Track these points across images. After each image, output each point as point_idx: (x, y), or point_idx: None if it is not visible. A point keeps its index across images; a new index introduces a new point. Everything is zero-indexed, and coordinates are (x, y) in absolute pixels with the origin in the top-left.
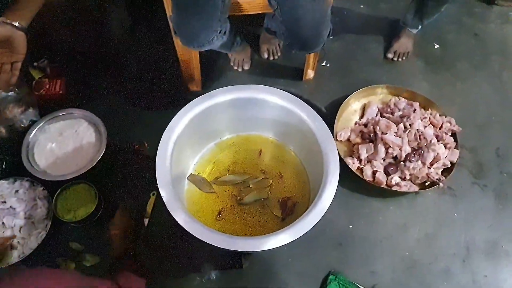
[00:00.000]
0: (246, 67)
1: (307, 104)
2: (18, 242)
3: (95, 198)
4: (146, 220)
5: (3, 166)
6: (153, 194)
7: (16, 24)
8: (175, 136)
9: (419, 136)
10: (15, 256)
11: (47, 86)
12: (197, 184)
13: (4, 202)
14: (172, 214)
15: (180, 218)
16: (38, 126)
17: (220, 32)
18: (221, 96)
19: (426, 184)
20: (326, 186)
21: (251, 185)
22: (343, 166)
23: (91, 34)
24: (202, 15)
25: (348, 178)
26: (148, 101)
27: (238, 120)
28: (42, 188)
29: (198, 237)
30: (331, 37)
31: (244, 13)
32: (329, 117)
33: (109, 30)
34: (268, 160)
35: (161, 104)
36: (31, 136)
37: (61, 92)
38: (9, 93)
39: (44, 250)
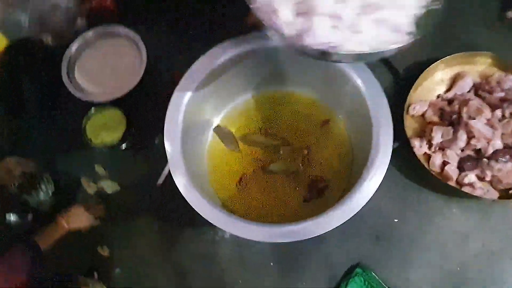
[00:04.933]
0: None
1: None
2: None
3: (125, 125)
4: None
5: (42, 76)
6: None
7: None
8: (197, 81)
9: None
10: None
11: None
12: (222, 138)
13: None
14: (172, 175)
15: (180, 182)
16: (84, 39)
17: None
18: (263, 41)
19: (510, 192)
20: (371, 171)
21: (281, 153)
22: (407, 147)
23: None
24: None
25: (409, 162)
26: (200, 33)
27: (282, 72)
28: None
29: (198, 211)
30: None
31: None
32: (406, 83)
33: None
34: (309, 127)
35: (213, 38)
36: (74, 48)
37: (111, 7)
38: (60, 0)
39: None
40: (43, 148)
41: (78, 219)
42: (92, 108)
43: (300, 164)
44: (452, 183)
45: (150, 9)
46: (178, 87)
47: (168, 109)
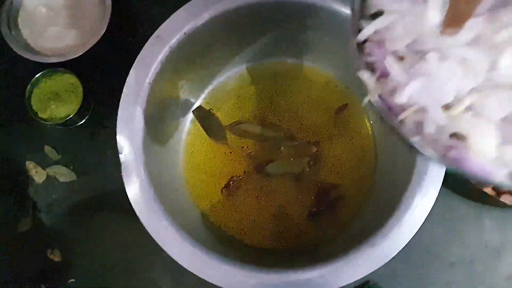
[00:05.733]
0: None
1: None
2: None
3: (81, 96)
4: None
5: None
6: None
7: None
8: (169, 45)
9: None
10: None
11: None
12: (204, 125)
13: None
14: (124, 181)
15: (133, 193)
16: None
17: None
18: None
19: None
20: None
21: (282, 149)
22: None
23: None
24: None
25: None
26: None
27: (287, 38)
28: None
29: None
30: None
31: None
32: None
33: None
34: (321, 115)
35: None
36: None
37: None
38: None
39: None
40: None
41: None
42: (40, 72)
43: (306, 166)
44: (487, 190)
45: None
46: (141, 53)
47: (125, 86)
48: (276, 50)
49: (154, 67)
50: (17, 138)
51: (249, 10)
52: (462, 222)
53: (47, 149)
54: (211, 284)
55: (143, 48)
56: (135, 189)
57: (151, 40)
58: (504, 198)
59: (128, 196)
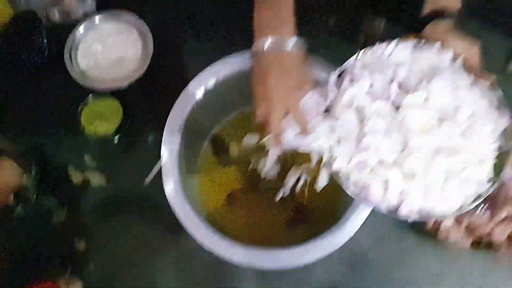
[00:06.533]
0: None
1: None
2: None
3: (121, 117)
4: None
5: (45, 54)
6: None
7: None
8: (205, 86)
9: (501, 186)
10: None
11: None
12: (216, 151)
13: None
14: (163, 179)
15: (169, 187)
16: (91, 20)
17: None
18: None
19: (482, 242)
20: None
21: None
22: None
23: None
24: None
25: None
26: (213, 35)
27: None
28: None
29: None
30: None
31: None
32: None
33: None
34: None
35: (228, 41)
36: (80, 29)
37: None
38: None
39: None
40: (31, 128)
41: (6, 173)
42: (90, 94)
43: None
44: (428, 227)
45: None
46: (186, 89)
47: (172, 110)
48: None
49: (195, 98)
50: (64, 146)
51: None
52: (409, 251)
53: (86, 157)
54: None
55: (188, 84)
56: (170, 185)
57: (193, 81)
58: (441, 234)
59: (165, 190)
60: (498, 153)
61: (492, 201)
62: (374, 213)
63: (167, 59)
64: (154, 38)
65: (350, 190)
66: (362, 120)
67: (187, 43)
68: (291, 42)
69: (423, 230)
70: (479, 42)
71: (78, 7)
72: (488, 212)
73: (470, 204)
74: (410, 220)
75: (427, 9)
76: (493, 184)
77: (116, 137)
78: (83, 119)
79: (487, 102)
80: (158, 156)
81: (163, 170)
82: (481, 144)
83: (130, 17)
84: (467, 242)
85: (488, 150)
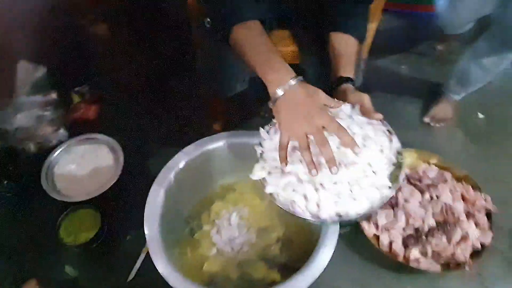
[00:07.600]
0: None
1: None
2: None
3: (99, 224)
4: (142, 256)
5: (22, 180)
6: None
7: None
8: (173, 173)
9: (446, 210)
10: None
11: (82, 110)
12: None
13: None
14: (152, 257)
15: (160, 264)
16: (64, 147)
17: None
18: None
19: (451, 265)
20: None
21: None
22: (359, 230)
23: (131, 66)
24: None
25: (362, 244)
26: (169, 137)
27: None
28: None
29: None
30: None
31: None
32: None
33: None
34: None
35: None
36: (55, 155)
37: (93, 117)
38: (45, 113)
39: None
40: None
41: None
42: (69, 208)
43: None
44: (401, 260)
45: (129, 118)
46: (156, 179)
47: (148, 196)
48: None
49: (159, 198)
50: (45, 259)
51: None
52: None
53: (67, 268)
54: None
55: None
56: (162, 263)
57: (162, 171)
58: (413, 264)
59: (158, 269)
60: (393, 166)
61: (444, 226)
62: (350, 258)
63: (135, 166)
64: (123, 149)
65: (284, 206)
66: None
67: (149, 149)
68: (293, 81)
69: (398, 265)
70: (367, 94)
71: (51, 138)
72: (444, 237)
73: (378, 205)
74: (332, 222)
75: (333, 77)
76: (392, 189)
77: (95, 243)
78: (62, 232)
79: (379, 132)
80: (138, 254)
81: (149, 248)
82: (373, 158)
83: (100, 136)
84: (437, 267)
85: (381, 163)
